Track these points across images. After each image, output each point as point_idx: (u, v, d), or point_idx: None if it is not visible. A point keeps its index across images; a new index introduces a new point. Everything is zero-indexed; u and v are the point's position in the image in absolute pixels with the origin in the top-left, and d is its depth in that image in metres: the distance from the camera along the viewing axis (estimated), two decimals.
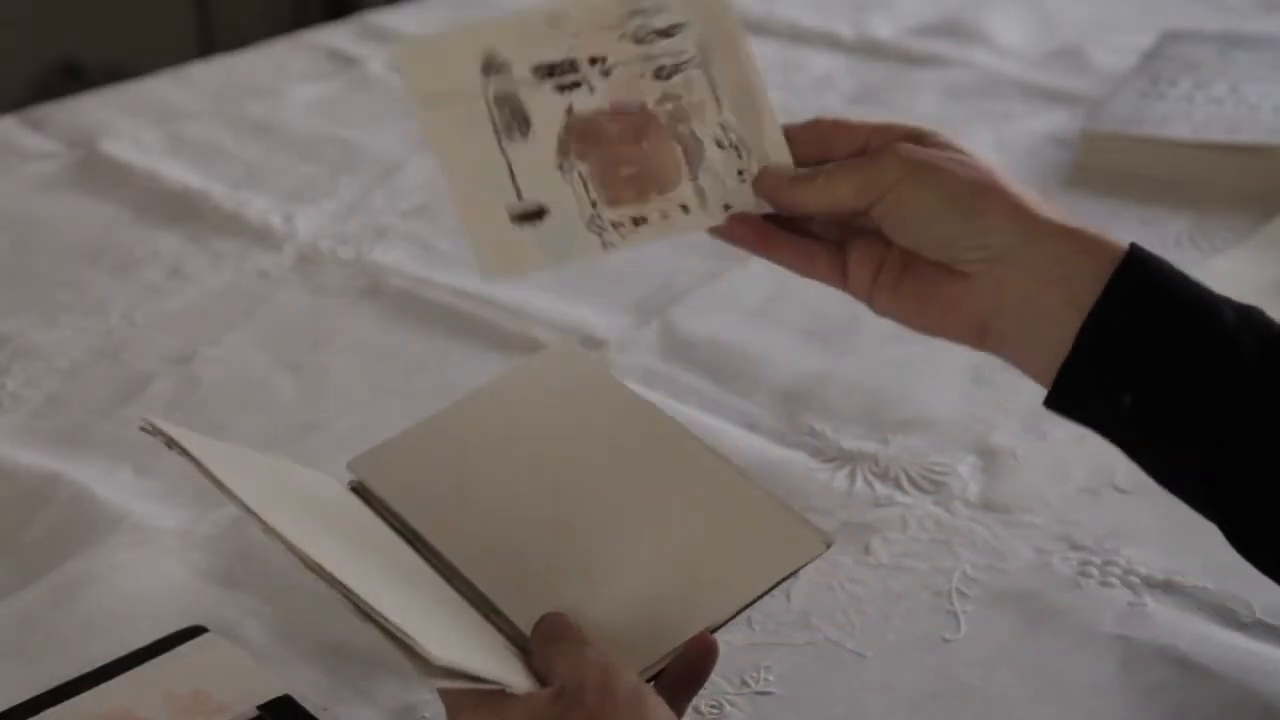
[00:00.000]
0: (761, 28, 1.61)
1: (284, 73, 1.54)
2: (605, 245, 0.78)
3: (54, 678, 0.80)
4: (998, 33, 1.58)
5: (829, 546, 0.75)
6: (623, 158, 0.78)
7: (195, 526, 0.92)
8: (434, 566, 0.76)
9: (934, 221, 0.74)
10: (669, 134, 0.78)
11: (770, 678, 0.82)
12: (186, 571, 0.88)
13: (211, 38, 2.70)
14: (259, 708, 0.78)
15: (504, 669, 0.67)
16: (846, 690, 0.81)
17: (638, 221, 0.78)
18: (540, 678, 0.69)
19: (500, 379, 0.85)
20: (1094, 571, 0.88)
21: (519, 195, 0.77)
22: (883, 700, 0.80)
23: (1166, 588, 0.86)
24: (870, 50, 1.57)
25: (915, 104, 1.46)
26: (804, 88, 1.51)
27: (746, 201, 0.79)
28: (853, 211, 0.76)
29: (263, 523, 0.67)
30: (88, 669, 0.80)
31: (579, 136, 0.78)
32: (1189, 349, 0.70)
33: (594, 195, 0.78)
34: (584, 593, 0.74)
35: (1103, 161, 1.32)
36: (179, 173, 1.33)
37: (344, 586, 0.65)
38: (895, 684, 0.81)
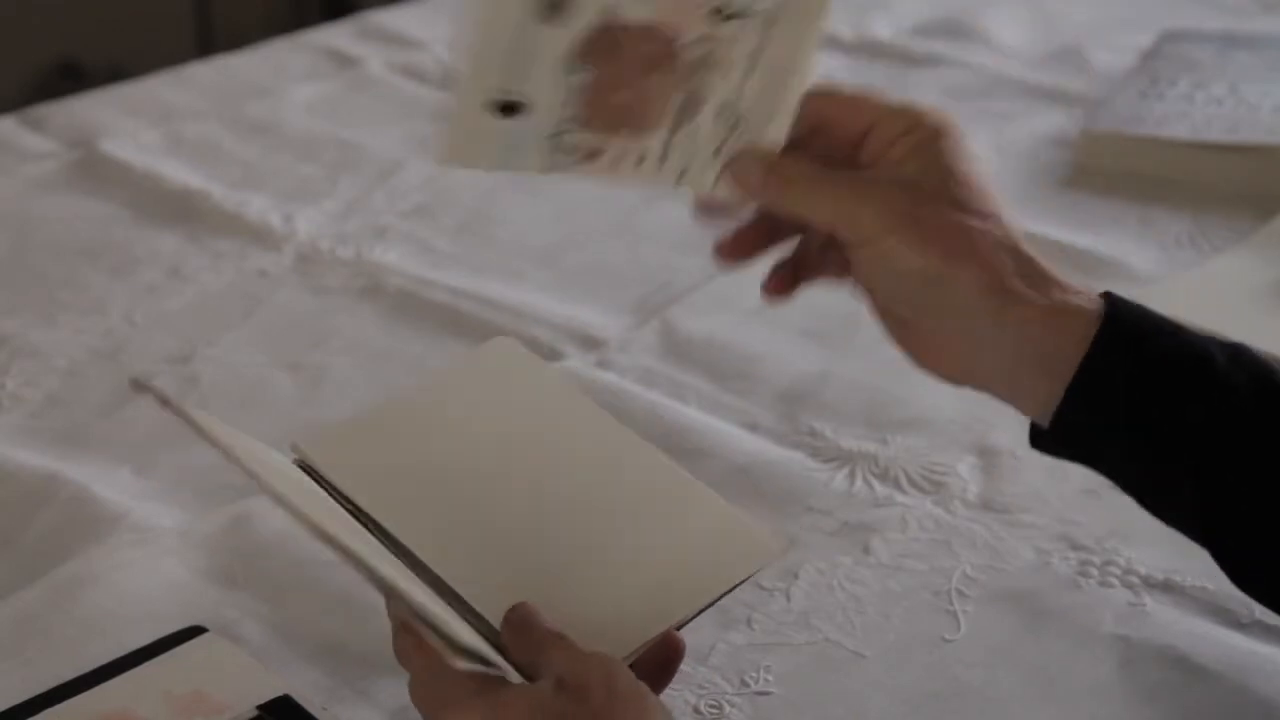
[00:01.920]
0: None
1: (283, 73, 1.53)
2: (550, 168, 0.72)
3: (54, 678, 0.80)
4: (997, 33, 1.58)
5: (784, 552, 0.75)
6: (623, 82, 0.71)
7: (195, 526, 0.91)
8: (393, 552, 0.74)
9: (905, 286, 0.72)
10: (679, 79, 0.72)
11: (770, 678, 0.82)
12: (186, 571, 0.88)
13: (211, 38, 2.69)
14: (259, 708, 0.78)
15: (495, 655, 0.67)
16: (846, 690, 0.81)
17: (592, 155, 0.73)
18: (520, 668, 0.68)
19: (439, 374, 0.82)
20: (1094, 571, 0.88)
21: (509, 79, 0.69)
22: (883, 700, 0.80)
23: (1166, 588, 0.86)
24: (870, 50, 1.57)
25: None
26: None
27: (702, 183, 0.75)
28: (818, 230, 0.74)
29: (272, 489, 0.65)
30: (88, 669, 0.80)
31: (599, 44, 0.70)
32: (1178, 395, 0.70)
33: (574, 110, 0.71)
34: (547, 588, 0.73)
35: (1102, 162, 1.32)
36: (179, 173, 1.33)
37: (358, 558, 0.63)
38: (895, 684, 0.81)
